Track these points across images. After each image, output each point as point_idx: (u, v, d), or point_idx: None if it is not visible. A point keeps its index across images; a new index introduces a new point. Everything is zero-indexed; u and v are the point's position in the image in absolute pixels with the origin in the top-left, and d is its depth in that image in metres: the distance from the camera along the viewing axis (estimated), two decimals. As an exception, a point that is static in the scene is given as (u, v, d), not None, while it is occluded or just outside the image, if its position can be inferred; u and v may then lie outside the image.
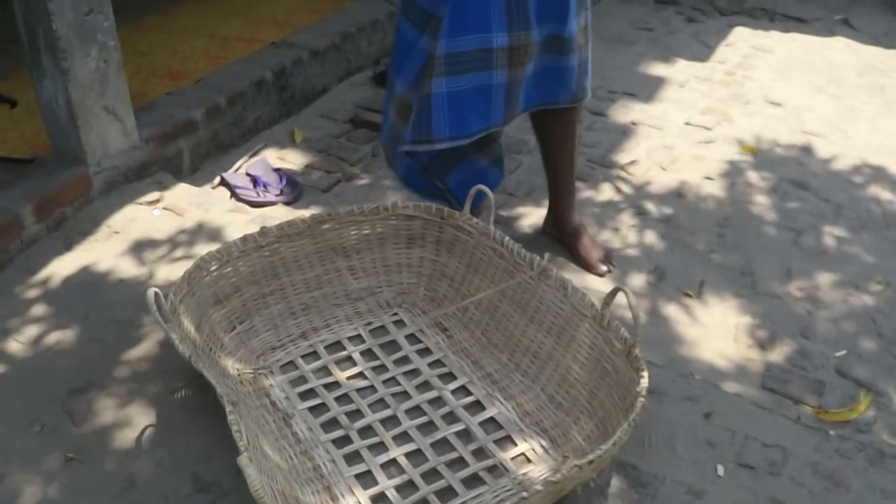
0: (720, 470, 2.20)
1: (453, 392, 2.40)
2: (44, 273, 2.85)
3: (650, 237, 3.17)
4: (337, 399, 2.35)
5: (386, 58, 4.46)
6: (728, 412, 2.36)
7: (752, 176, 3.58)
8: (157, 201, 3.17)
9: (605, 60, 4.61)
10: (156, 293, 2.14)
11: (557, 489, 1.86)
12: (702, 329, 2.72)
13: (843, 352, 2.65)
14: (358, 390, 2.40)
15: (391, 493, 2.08)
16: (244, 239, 2.53)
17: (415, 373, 2.47)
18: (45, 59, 2.98)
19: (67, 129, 3.10)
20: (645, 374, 2.07)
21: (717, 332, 2.71)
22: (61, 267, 2.87)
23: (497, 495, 2.07)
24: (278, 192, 3.35)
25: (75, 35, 2.93)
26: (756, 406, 2.40)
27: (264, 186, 3.36)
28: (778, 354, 2.62)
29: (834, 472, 2.18)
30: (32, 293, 2.76)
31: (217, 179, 3.45)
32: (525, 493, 1.79)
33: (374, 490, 2.08)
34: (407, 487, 2.11)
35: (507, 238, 2.55)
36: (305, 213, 2.99)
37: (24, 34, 2.99)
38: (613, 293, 2.21)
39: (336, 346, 2.57)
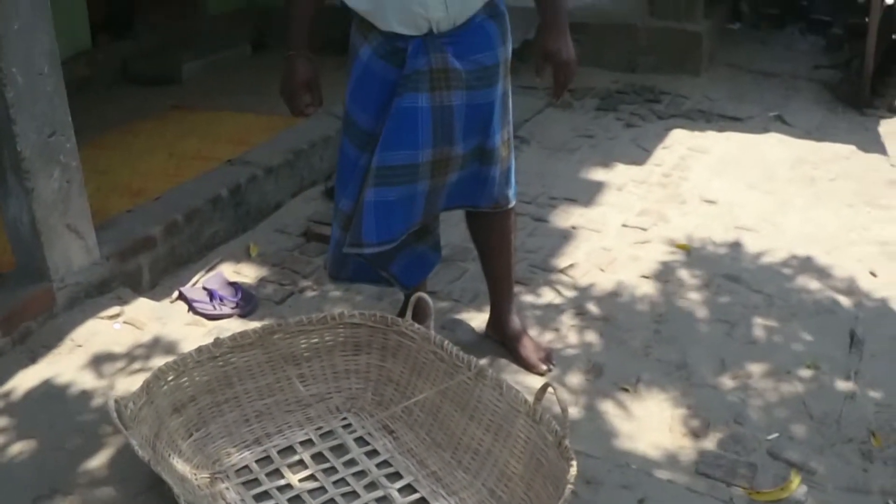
0: (654, 554, 2.36)
1: (399, 490, 2.53)
2: (9, 385, 2.97)
3: (589, 336, 3.33)
4: (290, 500, 2.47)
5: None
6: (661, 497, 2.51)
7: (686, 273, 3.76)
8: (118, 315, 3.31)
9: (548, 168, 4.82)
10: (116, 402, 2.27)
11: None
12: (638, 421, 2.86)
13: (776, 434, 2.80)
14: (309, 492, 2.52)
15: (341, 586, 2.21)
16: (199, 350, 2.67)
17: (363, 474, 2.60)
18: (9, 179, 3.14)
19: (32, 247, 3.25)
20: (574, 463, 2.21)
21: (652, 423, 2.85)
22: (26, 379, 2.99)
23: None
24: (234, 304, 3.49)
25: (39, 156, 3.11)
26: (689, 490, 2.54)
27: (220, 300, 3.50)
28: (711, 441, 2.76)
29: (762, 548, 2.33)
30: (-4, 406, 2.89)
31: (175, 294, 3.58)
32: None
33: (325, 583, 2.24)
34: (356, 580, 2.24)
35: (446, 342, 2.71)
36: (259, 324, 3.13)
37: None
38: (544, 389, 2.36)
39: (288, 450, 2.69)
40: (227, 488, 2.48)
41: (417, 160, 2.75)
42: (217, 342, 2.71)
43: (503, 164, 2.94)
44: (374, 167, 2.73)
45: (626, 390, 3.02)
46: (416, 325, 2.81)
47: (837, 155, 5.09)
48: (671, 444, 2.76)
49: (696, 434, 2.80)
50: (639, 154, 5.11)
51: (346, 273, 3.11)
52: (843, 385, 3.04)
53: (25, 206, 3.18)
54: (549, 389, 2.34)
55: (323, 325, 2.84)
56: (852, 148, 5.18)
